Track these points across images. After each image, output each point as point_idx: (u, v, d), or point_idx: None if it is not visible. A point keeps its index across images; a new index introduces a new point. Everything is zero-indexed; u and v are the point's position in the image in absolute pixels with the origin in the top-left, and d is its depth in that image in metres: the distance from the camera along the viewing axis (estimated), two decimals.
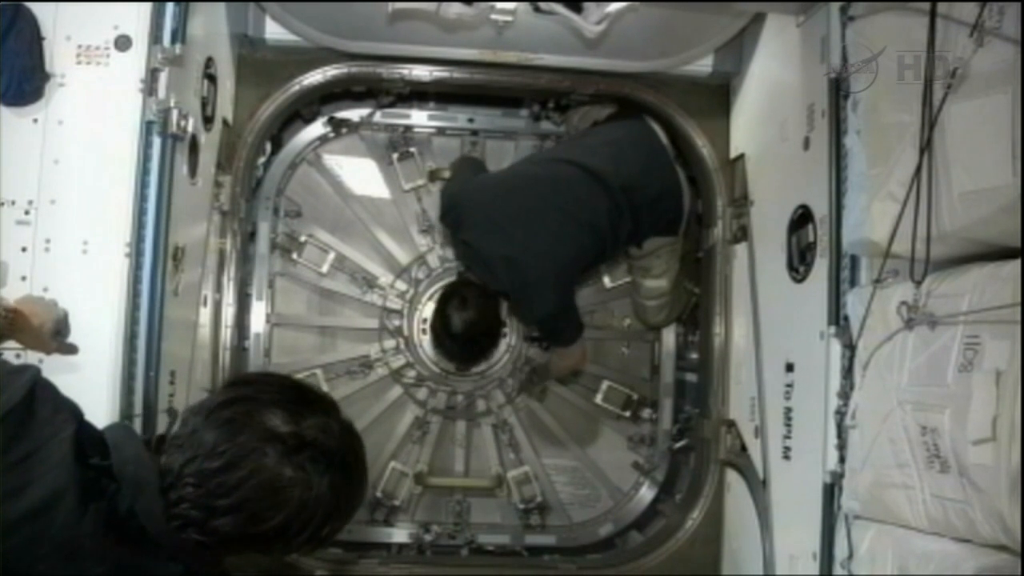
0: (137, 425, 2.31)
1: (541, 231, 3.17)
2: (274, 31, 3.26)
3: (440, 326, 3.50)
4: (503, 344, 3.83)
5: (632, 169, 3.26)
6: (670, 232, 3.45)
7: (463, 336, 3.46)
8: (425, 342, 3.82)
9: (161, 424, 2.42)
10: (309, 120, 3.81)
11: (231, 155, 3.32)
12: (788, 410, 2.79)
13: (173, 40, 2.37)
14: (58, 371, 2.14)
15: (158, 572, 1.38)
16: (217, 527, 1.36)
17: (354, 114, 3.83)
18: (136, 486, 1.36)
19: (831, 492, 2.41)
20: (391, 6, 2.95)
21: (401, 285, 3.86)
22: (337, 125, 3.82)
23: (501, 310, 3.45)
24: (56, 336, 1.96)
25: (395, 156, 3.88)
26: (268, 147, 3.69)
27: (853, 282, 2.45)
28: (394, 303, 3.85)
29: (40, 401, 1.40)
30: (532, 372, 3.84)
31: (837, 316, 2.47)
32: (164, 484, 1.36)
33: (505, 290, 3.32)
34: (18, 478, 1.29)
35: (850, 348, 2.35)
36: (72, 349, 2.03)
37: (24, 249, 2.26)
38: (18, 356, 2.12)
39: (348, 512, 1.48)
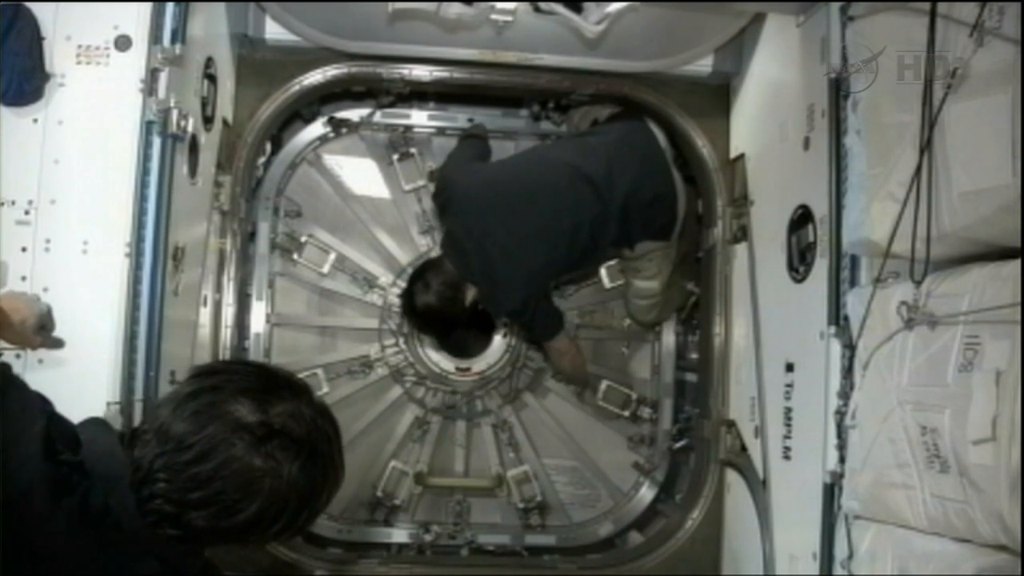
0: (137, 413, 2.31)
1: (520, 231, 3.22)
2: (274, 31, 3.26)
3: (406, 301, 3.54)
4: (503, 344, 3.83)
5: (627, 174, 3.26)
6: (663, 237, 3.45)
7: (421, 316, 3.49)
8: (426, 342, 3.82)
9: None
10: (309, 120, 3.81)
11: (231, 155, 3.32)
12: (788, 410, 2.79)
13: (173, 40, 2.37)
14: (58, 371, 2.15)
15: (134, 568, 1.37)
16: (191, 521, 1.34)
17: (354, 114, 3.83)
18: (108, 481, 1.34)
19: (831, 492, 2.41)
20: (391, 6, 2.95)
21: (401, 285, 3.85)
22: (337, 125, 3.82)
23: (465, 299, 3.43)
24: (40, 331, 1.96)
25: (395, 157, 3.88)
26: (268, 147, 3.69)
27: (853, 282, 2.45)
28: (394, 303, 3.85)
29: (7, 398, 1.38)
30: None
31: (837, 316, 2.47)
32: (136, 479, 1.35)
33: (476, 281, 3.35)
34: None
35: (850, 348, 2.35)
36: (58, 343, 2.02)
37: (24, 249, 2.26)
38: (18, 356, 2.12)
39: (325, 497, 1.46)
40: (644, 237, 3.43)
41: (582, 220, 3.24)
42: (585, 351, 3.94)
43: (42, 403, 1.45)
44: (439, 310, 3.42)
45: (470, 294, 3.41)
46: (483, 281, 3.33)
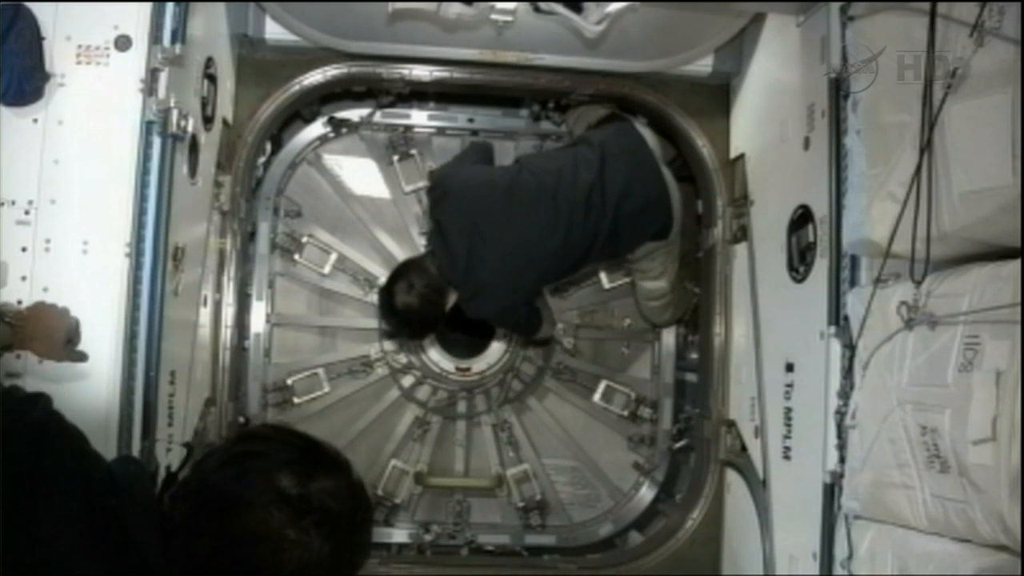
0: (136, 423, 2.31)
1: (509, 241, 3.19)
2: (274, 31, 3.26)
3: (385, 298, 3.44)
4: (502, 344, 3.83)
5: (616, 184, 3.23)
6: (661, 237, 3.42)
7: (400, 316, 3.40)
8: (426, 342, 3.81)
9: (170, 454, 2.40)
10: (309, 120, 3.81)
11: (231, 155, 3.32)
12: (788, 410, 2.79)
13: (173, 40, 2.37)
14: (58, 371, 2.14)
15: None
16: None
17: (354, 114, 3.83)
18: (140, 530, 1.36)
19: (831, 492, 2.42)
20: (391, 6, 2.95)
21: None
22: (337, 125, 3.82)
23: (445, 303, 3.37)
24: (67, 344, 1.97)
25: (395, 157, 3.88)
26: (268, 147, 3.69)
27: (853, 282, 2.45)
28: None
29: (51, 435, 1.39)
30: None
31: (837, 316, 2.47)
32: (168, 529, 1.36)
33: (459, 280, 3.29)
34: (22, 518, 1.28)
35: (850, 348, 2.35)
36: (82, 356, 2.03)
37: (24, 249, 2.26)
38: (18, 356, 2.12)
39: (348, 573, 1.47)
40: (641, 242, 3.41)
41: (572, 234, 3.20)
42: (583, 351, 3.96)
43: (81, 444, 1.44)
44: (418, 311, 3.35)
45: (451, 298, 3.39)
46: (465, 283, 3.28)
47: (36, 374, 2.17)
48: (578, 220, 3.20)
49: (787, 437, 2.80)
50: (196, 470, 1.42)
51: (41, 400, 1.44)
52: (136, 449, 2.29)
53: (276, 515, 1.35)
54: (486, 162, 3.64)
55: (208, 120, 2.92)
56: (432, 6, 2.91)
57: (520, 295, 3.31)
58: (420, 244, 3.89)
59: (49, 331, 1.90)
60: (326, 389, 3.77)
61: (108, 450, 2.25)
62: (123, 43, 2.33)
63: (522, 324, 3.49)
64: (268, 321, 3.77)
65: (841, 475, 2.36)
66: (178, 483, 1.44)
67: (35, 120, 2.28)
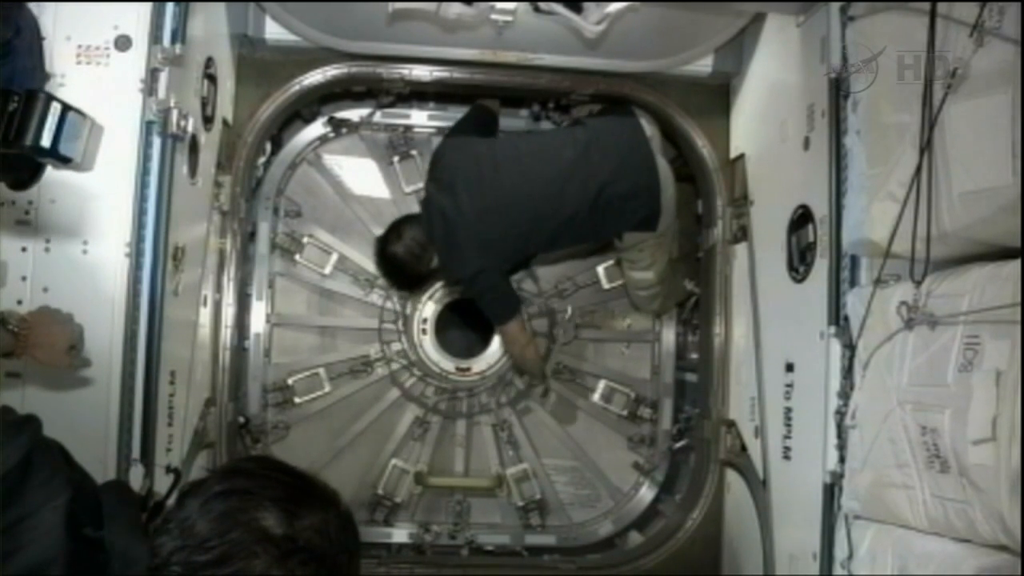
0: (136, 423, 2.31)
1: (485, 203, 3.25)
2: (274, 31, 3.26)
3: (379, 247, 3.56)
4: (502, 344, 3.83)
5: (605, 166, 3.26)
6: (646, 228, 3.42)
7: (384, 261, 3.53)
8: (426, 342, 3.82)
9: (171, 454, 2.39)
10: (309, 120, 3.81)
11: (231, 155, 3.32)
12: (788, 410, 2.79)
13: (173, 40, 2.37)
14: (58, 371, 2.14)
15: None
16: None
17: (354, 114, 3.84)
18: (126, 564, 1.34)
19: (831, 492, 2.42)
20: (391, 6, 2.95)
21: None
22: (337, 125, 3.82)
23: (431, 259, 3.44)
24: (70, 351, 1.96)
25: (395, 158, 3.89)
26: (268, 147, 3.69)
27: (853, 282, 2.46)
28: (394, 303, 3.85)
29: (36, 464, 1.37)
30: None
31: (837, 316, 2.47)
32: (152, 565, 1.34)
33: (436, 242, 3.37)
34: (5, 545, 1.26)
35: (850, 348, 2.36)
36: (85, 363, 2.03)
37: (24, 249, 2.26)
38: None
39: None
40: (625, 228, 3.42)
41: (549, 205, 3.25)
42: (583, 351, 3.95)
43: (66, 469, 1.43)
44: (402, 262, 3.45)
45: (436, 258, 3.43)
46: (442, 243, 3.35)
47: (37, 373, 2.17)
48: (554, 191, 3.25)
49: (787, 437, 2.80)
50: (180, 504, 1.39)
51: (29, 426, 1.42)
52: (135, 449, 2.29)
53: (261, 557, 1.32)
54: (487, 127, 3.67)
55: (208, 120, 2.92)
56: (432, 6, 2.91)
57: (492, 258, 3.33)
58: None
59: (52, 338, 1.89)
60: (326, 389, 3.77)
61: (108, 450, 2.25)
62: (123, 43, 2.33)
63: (495, 301, 3.46)
64: (268, 321, 3.77)
65: (841, 475, 2.37)
66: (163, 516, 1.41)
67: None
